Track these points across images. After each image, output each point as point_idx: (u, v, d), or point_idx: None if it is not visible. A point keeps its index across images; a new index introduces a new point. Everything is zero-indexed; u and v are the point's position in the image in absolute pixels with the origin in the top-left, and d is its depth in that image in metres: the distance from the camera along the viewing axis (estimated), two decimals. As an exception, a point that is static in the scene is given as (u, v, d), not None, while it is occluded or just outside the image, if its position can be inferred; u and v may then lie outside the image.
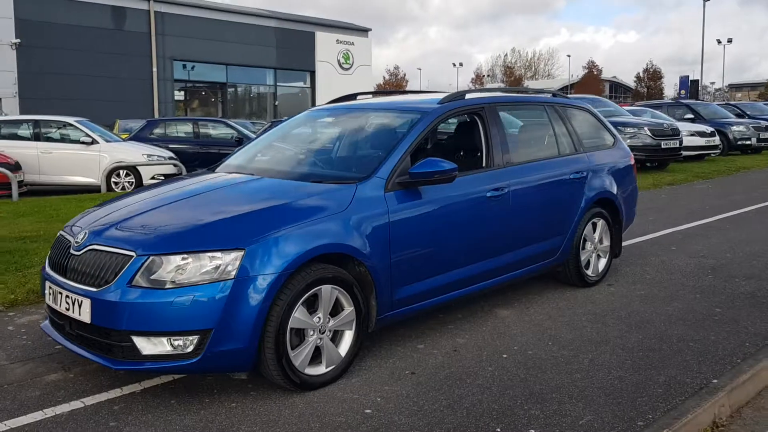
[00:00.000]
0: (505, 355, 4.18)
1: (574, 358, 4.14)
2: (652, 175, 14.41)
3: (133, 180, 13.28)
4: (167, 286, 3.29)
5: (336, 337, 3.79)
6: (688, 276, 6.06)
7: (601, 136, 6.07)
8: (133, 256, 3.37)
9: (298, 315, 3.52)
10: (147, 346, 3.32)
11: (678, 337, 4.48)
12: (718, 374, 3.87)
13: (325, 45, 39.97)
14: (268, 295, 3.37)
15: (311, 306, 3.64)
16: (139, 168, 13.40)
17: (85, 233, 3.69)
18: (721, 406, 3.60)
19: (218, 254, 3.36)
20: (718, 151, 18.54)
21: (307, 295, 3.55)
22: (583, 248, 5.57)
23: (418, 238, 4.14)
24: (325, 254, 3.65)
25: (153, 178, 13.22)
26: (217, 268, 3.33)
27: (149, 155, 13.73)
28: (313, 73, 39.76)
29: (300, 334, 3.60)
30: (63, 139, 13.85)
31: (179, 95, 36.10)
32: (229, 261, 3.34)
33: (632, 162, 6.21)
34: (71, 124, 13.87)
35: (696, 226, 8.56)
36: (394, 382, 3.79)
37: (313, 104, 39.76)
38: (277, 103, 38.59)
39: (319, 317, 3.64)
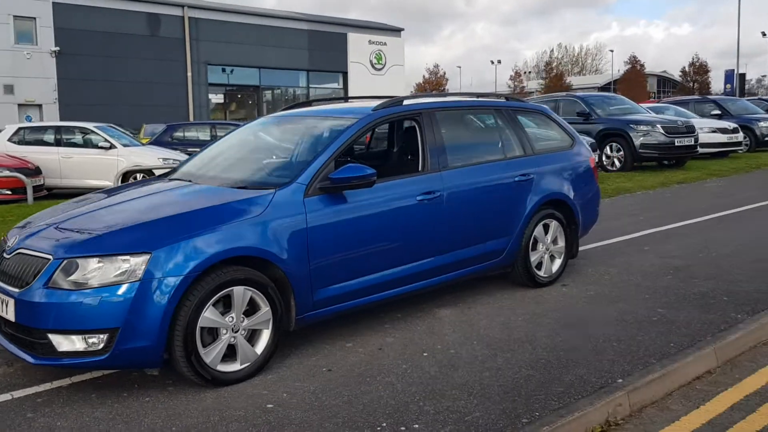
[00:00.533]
0: (425, 354, 4.32)
1: (492, 357, 4.24)
2: (664, 173, 14.24)
3: (149, 183, 13.73)
4: (81, 287, 3.54)
5: (254, 335, 3.99)
6: (647, 276, 6.06)
7: (557, 138, 6.12)
8: (50, 260, 3.63)
9: (209, 315, 3.73)
10: (62, 343, 3.57)
11: (605, 338, 4.54)
12: (627, 374, 3.93)
13: (357, 46, 40.27)
14: (174, 296, 3.58)
15: (228, 305, 3.84)
16: (155, 171, 13.85)
17: (16, 238, 3.98)
18: (618, 405, 3.66)
19: (128, 257, 3.59)
20: (744, 147, 18.13)
21: (217, 295, 3.75)
22: (534, 249, 5.65)
23: (340, 241, 4.30)
24: (239, 257, 3.85)
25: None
26: (126, 270, 3.56)
27: (165, 159, 14.18)
28: (345, 74, 40.09)
29: (213, 333, 3.80)
30: (84, 144, 14.41)
31: (218, 99, 36.90)
32: (136, 264, 3.57)
33: (591, 164, 6.25)
34: (91, 130, 14.43)
35: (682, 225, 8.49)
36: (308, 378, 3.97)
37: (346, 105, 40.35)
38: (310, 104, 39.10)
39: (232, 317, 3.84)
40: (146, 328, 3.55)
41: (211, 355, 3.77)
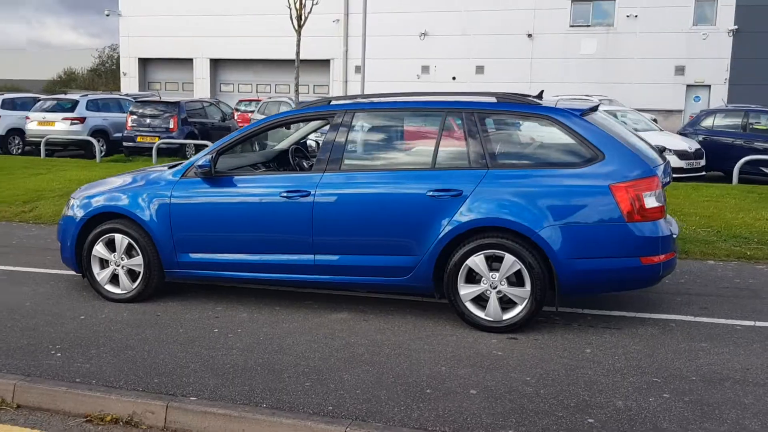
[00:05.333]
0: (216, 330, 4.75)
1: (231, 361, 4.35)
2: None
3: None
4: (64, 214, 5.80)
5: (137, 274, 5.40)
6: (625, 371, 3.94)
7: (567, 151, 4.47)
8: (71, 196, 6.02)
9: (99, 248, 5.40)
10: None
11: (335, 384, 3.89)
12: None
13: None
14: (75, 229, 5.45)
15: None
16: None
17: None
18: None
19: (70, 200, 5.64)
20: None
21: (105, 236, 5.37)
22: (473, 282, 4.58)
23: (201, 218, 5.12)
24: (120, 213, 5.34)
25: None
26: (69, 207, 5.64)
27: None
28: None
29: (106, 263, 5.46)
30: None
31: None
32: (70, 204, 5.60)
33: (617, 193, 4.24)
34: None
35: None
36: (136, 315, 5.10)
37: None
38: None
39: (115, 255, 5.40)
40: (67, 244, 5.56)
41: (100, 276, 5.44)
